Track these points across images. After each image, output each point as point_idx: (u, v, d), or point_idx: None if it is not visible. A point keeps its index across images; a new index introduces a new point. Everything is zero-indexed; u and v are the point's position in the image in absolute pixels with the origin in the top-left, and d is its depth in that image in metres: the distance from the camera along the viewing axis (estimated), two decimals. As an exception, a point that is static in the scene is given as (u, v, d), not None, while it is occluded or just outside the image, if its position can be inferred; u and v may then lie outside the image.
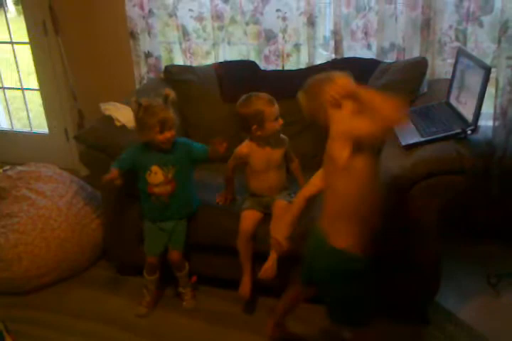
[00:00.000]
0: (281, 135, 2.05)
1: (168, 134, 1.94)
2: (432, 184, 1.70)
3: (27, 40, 3.20)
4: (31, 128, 3.61)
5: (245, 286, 2.01)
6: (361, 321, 1.58)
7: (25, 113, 3.63)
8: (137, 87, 2.80)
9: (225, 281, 2.14)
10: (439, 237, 1.85)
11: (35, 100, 3.60)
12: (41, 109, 3.45)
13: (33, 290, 2.23)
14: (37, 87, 3.35)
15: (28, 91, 3.55)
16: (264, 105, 1.93)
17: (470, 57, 1.94)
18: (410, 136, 1.87)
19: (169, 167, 2.00)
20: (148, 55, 2.76)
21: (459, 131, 1.78)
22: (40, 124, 3.70)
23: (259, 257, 1.99)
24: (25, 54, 3.33)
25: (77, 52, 3.03)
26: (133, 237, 2.17)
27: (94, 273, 2.39)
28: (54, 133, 3.42)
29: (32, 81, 3.52)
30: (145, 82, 2.77)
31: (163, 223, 2.07)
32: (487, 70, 1.73)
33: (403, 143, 1.85)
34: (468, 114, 1.84)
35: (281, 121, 1.97)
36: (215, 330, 2.00)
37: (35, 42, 3.16)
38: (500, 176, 2.42)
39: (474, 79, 1.81)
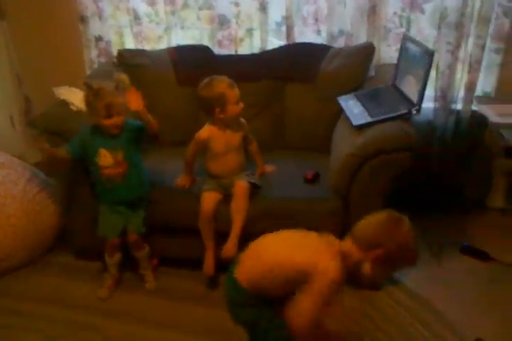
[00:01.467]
0: (241, 119, 2.11)
1: (115, 120, 1.94)
2: (381, 161, 1.83)
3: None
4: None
5: (209, 263, 2.07)
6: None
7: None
8: (88, 71, 2.77)
9: (186, 261, 2.19)
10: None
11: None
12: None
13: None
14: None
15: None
16: (226, 88, 1.97)
17: (414, 42, 2.07)
18: (360, 116, 1.99)
19: (118, 150, 2.01)
20: (98, 39, 2.72)
21: (405, 111, 1.91)
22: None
23: (220, 236, 2.06)
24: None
25: (24, 37, 2.92)
26: (90, 221, 2.17)
27: (52, 259, 2.38)
28: (-1, 119, 3.32)
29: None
30: (96, 66, 2.75)
31: (119, 206, 2.09)
32: (430, 54, 1.86)
33: (354, 124, 1.96)
34: (413, 95, 1.97)
35: (242, 105, 2.02)
36: (178, 308, 2.05)
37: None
38: (440, 154, 2.59)
39: (418, 63, 1.94)
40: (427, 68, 1.87)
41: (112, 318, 2.01)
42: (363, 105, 2.05)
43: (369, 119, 1.93)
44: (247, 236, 1.97)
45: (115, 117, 1.94)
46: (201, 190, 2.09)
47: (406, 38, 2.15)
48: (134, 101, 1.95)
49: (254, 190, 2.06)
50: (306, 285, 1.38)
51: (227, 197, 2.07)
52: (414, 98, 1.95)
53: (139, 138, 2.06)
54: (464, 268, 2.25)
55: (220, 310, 1.97)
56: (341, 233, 1.95)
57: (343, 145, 1.97)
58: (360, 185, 1.90)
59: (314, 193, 2.04)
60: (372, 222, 1.47)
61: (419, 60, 1.95)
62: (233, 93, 1.99)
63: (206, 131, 2.06)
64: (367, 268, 1.42)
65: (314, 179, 2.11)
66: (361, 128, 1.94)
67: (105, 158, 2.01)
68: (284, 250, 1.49)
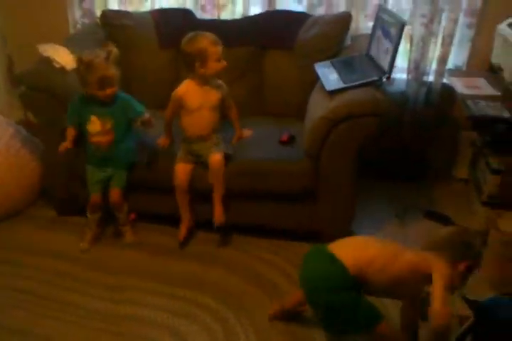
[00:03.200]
0: (220, 81, 2.18)
1: (108, 91, 2.01)
2: (351, 124, 1.93)
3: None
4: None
5: (182, 233, 2.20)
6: (357, 328, 1.57)
7: None
8: (71, 31, 2.80)
9: (162, 217, 2.30)
10: (355, 174, 2.11)
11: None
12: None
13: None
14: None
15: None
16: (209, 44, 2.03)
17: (388, 13, 2.16)
18: (334, 82, 2.08)
19: (106, 118, 2.09)
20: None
21: (376, 78, 2.02)
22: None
23: (202, 198, 2.18)
24: None
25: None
26: (75, 176, 2.25)
27: (34, 212, 2.48)
28: (-19, 79, 3.33)
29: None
30: (79, 26, 2.77)
31: (105, 168, 2.18)
32: (401, 24, 1.96)
33: (327, 89, 2.06)
34: (384, 64, 2.07)
35: (224, 63, 2.07)
36: (155, 260, 2.17)
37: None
38: (412, 124, 2.71)
39: (391, 34, 2.03)
40: (397, 38, 1.97)
41: (93, 269, 2.12)
42: (338, 72, 2.15)
43: (341, 85, 2.03)
44: (226, 196, 2.13)
45: (107, 89, 2.01)
46: (176, 159, 2.16)
47: (381, 9, 2.23)
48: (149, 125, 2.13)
49: (227, 157, 2.14)
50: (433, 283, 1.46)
51: (199, 165, 2.16)
52: (385, 66, 2.04)
53: (128, 116, 2.14)
54: (426, 230, 2.38)
55: (194, 263, 2.14)
56: (311, 193, 2.12)
57: (317, 110, 2.07)
58: (330, 148, 2.01)
59: (287, 155, 2.14)
60: (453, 237, 1.55)
61: (391, 30, 2.04)
62: (215, 49, 2.04)
63: (183, 86, 2.12)
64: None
65: (289, 141, 2.22)
66: (334, 93, 2.04)
67: (94, 125, 2.09)
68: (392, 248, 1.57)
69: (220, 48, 2.06)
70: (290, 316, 1.85)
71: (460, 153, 2.79)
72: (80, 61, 2.01)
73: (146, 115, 2.11)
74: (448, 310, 1.41)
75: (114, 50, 2.06)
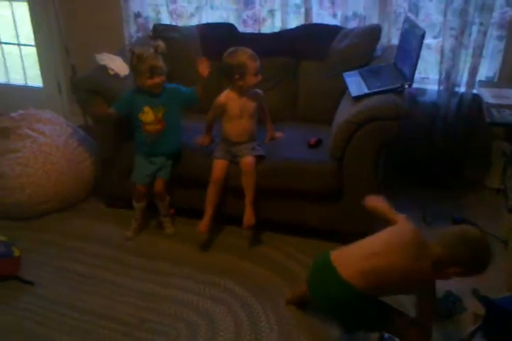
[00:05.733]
0: (257, 90, 2.37)
1: (157, 79, 2.26)
2: (372, 128, 2.08)
3: (25, -2, 3.44)
4: (26, 81, 3.86)
5: (203, 226, 2.32)
6: (376, 327, 1.66)
7: (21, 68, 3.87)
8: (126, 43, 3.09)
9: (200, 212, 2.49)
10: (378, 176, 2.24)
11: (31, 56, 3.83)
12: (36, 65, 3.71)
13: (36, 216, 2.59)
14: (33, 43, 3.60)
15: (25, 47, 3.78)
16: (248, 59, 2.23)
17: (411, 23, 2.30)
18: (359, 89, 2.24)
19: (159, 108, 2.33)
20: (137, 15, 3.04)
21: (398, 85, 2.15)
22: (35, 78, 3.94)
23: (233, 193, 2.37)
24: (23, 11, 3.56)
25: (72, 13, 3.27)
26: (124, 171, 2.49)
27: (86, 205, 2.75)
28: (48, 86, 3.69)
29: (29, 37, 3.74)
30: (134, 39, 3.06)
31: (154, 158, 2.40)
32: (422, 34, 2.09)
33: (352, 95, 2.22)
34: (407, 72, 2.20)
35: (260, 77, 2.28)
36: (191, 250, 2.38)
37: (33, 1, 3.40)
38: (445, 132, 2.80)
39: (413, 43, 2.17)
40: (418, 46, 2.10)
41: (135, 255, 2.35)
42: (364, 80, 2.30)
43: (366, 91, 2.18)
44: (257, 195, 2.30)
45: (157, 77, 2.25)
46: (213, 156, 2.36)
47: (405, 21, 2.37)
48: (204, 68, 2.30)
49: (260, 158, 2.32)
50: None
51: (234, 163, 2.35)
52: (408, 74, 2.18)
53: (184, 102, 2.38)
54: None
55: (226, 254, 2.33)
56: (335, 192, 2.26)
57: (343, 114, 2.23)
58: (353, 150, 2.16)
59: (314, 156, 2.30)
60: (460, 242, 1.55)
61: (413, 40, 2.17)
62: (253, 64, 2.24)
63: (224, 96, 2.34)
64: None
65: (317, 144, 2.38)
66: (358, 99, 2.19)
67: (147, 115, 2.33)
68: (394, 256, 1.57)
69: (257, 63, 2.24)
70: (305, 302, 1.98)
71: (493, 162, 2.84)
72: (132, 53, 2.28)
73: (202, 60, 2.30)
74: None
75: (162, 44, 2.30)
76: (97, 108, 2.32)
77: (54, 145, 2.61)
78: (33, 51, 3.63)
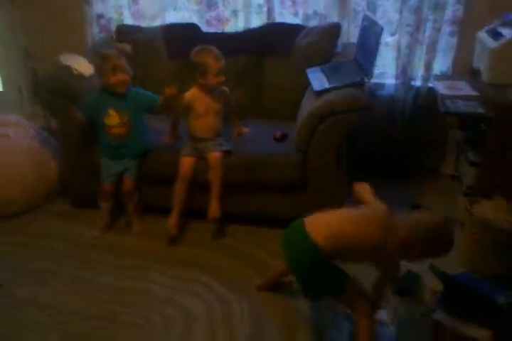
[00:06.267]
0: (223, 87, 2.41)
1: (120, 77, 2.28)
2: (334, 120, 2.15)
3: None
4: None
5: (172, 222, 2.38)
6: (335, 292, 1.72)
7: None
8: (89, 45, 3.08)
9: (167, 209, 2.50)
10: (341, 167, 2.31)
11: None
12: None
13: (2, 218, 2.56)
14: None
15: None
16: (211, 59, 2.27)
17: (370, 20, 2.39)
18: (321, 84, 2.31)
19: (124, 111, 2.35)
20: (100, 16, 3.05)
21: (358, 79, 2.24)
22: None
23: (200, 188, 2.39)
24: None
25: (32, 15, 3.21)
26: (90, 171, 2.50)
27: (53, 206, 2.73)
28: (8, 90, 3.63)
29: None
30: (96, 40, 3.06)
31: (119, 160, 2.42)
32: (380, 30, 2.18)
33: (315, 90, 2.29)
34: (367, 66, 2.29)
35: (222, 78, 2.31)
36: (160, 246, 2.39)
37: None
38: (403, 124, 2.91)
39: (372, 39, 2.26)
40: (377, 42, 2.19)
41: (104, 252, 2.35)
42: (326, 75, 2.38)
43: (327, 86, 2.26)
44: (223, 190, 2.34)
45: (120, 75, 2.27)
46: (181, 153, 2.39)
47: (364, 18, 2.47)
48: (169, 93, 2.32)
49: (227, 153, 2.37)
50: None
51: (201, 159, 2.38)
52: (367, 68, 2.26)
53: (146, 107, 2.41)
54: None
55: (195, 248, 2.36)
56: (301, 183, 2.32)
57: (306, 109, 2.29)
58: (317, 142, 2.23)
59: (280, 150, 2.36)
60: (426, 229, 1.64)
61: (372, 35, 2.26)
62: (216, 65, 2.27)
63: (190, 94, 2.37)
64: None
65: (282, 138, 2.44)
66: (321, 93, 2.26)
67: (112, 118, 2.35)
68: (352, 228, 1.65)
69: (220, 64, 2.28)
70: (276, 286, 2.06)
71: (448, 151, 2.98)
72: (97, 54, 2.31)
73: None
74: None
75: (127, 46, 2.34)
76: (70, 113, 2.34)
77: (17, 147, 2.59)
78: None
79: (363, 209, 1.73)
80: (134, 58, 2.59)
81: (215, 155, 2.34)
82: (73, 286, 2.14)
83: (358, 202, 1.82)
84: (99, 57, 2.29)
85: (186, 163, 2.37)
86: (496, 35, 2.39)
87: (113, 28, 3.02)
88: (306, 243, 1.62)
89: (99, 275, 2.20)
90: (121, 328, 1.91)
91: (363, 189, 1.83)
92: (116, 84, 2.30)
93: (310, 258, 1.62)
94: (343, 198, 2.36)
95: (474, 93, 2.45)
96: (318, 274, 1.65)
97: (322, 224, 1.67)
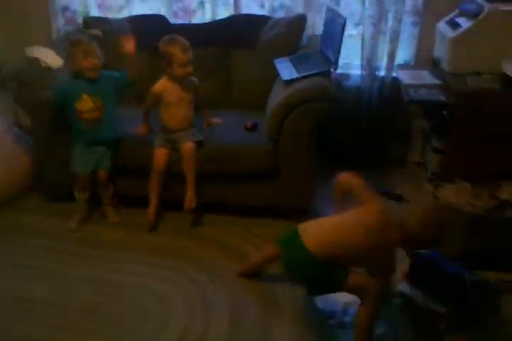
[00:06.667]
0: (192, 78, 2.44)
1: (92, 61, 2.28)
2: (304, 109, 2.22)
3: None
4: None
5: (151, 214, 2.43)
6: (335, 287, 1.77)
7: None
8: (54, 37, 3.06)
9: (142, 200, 2.53)
10: (312, 155, 2.38)
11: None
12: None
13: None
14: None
15: None
16: (177, 50, 2.28)
17: (333, 12, 2.46)
18: (290, 74, 2.38)
19: (97, 95, 2.35)
20: (65, 8, 3.02)
21: (325, 68, 2.31)
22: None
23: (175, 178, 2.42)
24: None
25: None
26: (63, 162, 2.48)
27: (28, 200, 2.72)
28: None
29: None
30: (62, 32, 3.03)
31: (93, 147, 2.42)
32: (343, 21, 2.25)
33: (283, 79, 2.35)
34: (333, 56, 2.36)
35: (189, 69, 2.33)
36: (137, 236, 2.42)
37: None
38: (369, 114, 3.00)
39: (336, 30, 2.33)
40: (341, 32, 2.26)
41: (82, 245, 2.37)
42: (293, 65, 2.44)
43: (295, 75, 2.32)
44: (198, 180, 2.38)
45: (91, 59, 2.27)
46: (153, 144, 2.41)
47: (328, 10, 2.54)
48: (128, 45, 2.32)
49: (199, 143, 2.40)
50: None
51: (175, 149, 2.41)
52: (333, 59, 2.34)
53: (117, 86, 2.41)
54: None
55: (170, 237, 2.40)
56: (273, 172, 2.38)
57: (276, 98, 2.35)
58: (287, 131, 2.29)
59: (252, 139, 2.42)
60: (420, 221, 1.71)
61: (336, 27, 2.34)
62: (182, 56, 2.29)
63: (160, 84, 2.39)
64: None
65: (253, 128, 2.49)
66: (290, 82, 2.33)
67: (85, 102, 2.34)
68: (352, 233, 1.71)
69: (187, 55, 2.29)
70: (257, 273, 2.13)
71: (413, 139, 3.09)
72: (68, 40, 2.31)
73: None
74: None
75: (98, 32, 2.32)
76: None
77: (-12, 142, 2.56)
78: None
79: (357, 214, 1.77)
80: (105, 44, 2.59)
81: (188, 146, 2.37)
82: (51, 279, 2.15)
83: (342, 193, 1.89)
84: (70, 42, 2.28)
85: (159, 154, 2.39)
86: (454, 25, 2.49)
87: (79, 20, 2.99)
88: (301, 251, 1.68)
89: (77, 267, 2.21)
90: (102, 319, 1.94)
91: (355, 181, 1.86)
92: (87, 68, 2.29)
93: (305, 265, 1.70)
94: (313, 185, 2.45)
95: (436, 82, 2.55)
96: (315, 278, 1.72)
97: (315, 233, 1.74)
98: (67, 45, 2.29)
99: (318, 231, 1.74)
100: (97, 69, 2.32)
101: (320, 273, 1.70)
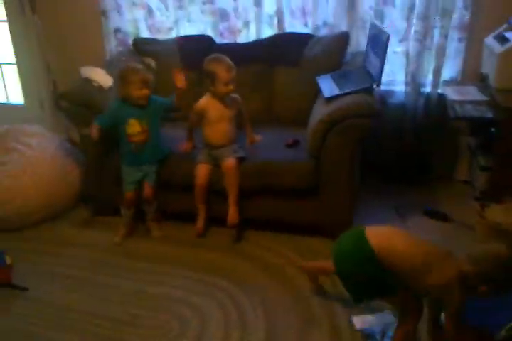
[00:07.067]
0: (234, 95, 2.49)
1: (145, 91, 2.39)
2: (346, 126, 2.21)
3: (5, 18, 3.53)
4: (8, 99, 3.93)
5: (199, 224, 2.50)
6: (383, 295, 1.74)
7: (1, 85, 3.94)
8: (108, 58, 3.20)
9: (183, 214, 2.59)
10: (353, 172, 2.36)
11: (12, 74, 3.91)
12: (17, 82, 3.78)
13: (25, 226, 2.66)
14: (14, 62, 3.68)
15: (6, 65, 3.86)
16: (221, 69, 2.35)
17: (377, 28, 2.46)
18: (331, 90, 2.38)
19: (144, 119, 2.44)
20: (117, 30, 3.16)
21: (367, 85, 2.30)
22: (16, 96, 4.00)
23: (217, 195, 2.46)
24: (3, 31, 3.64)
25: (53, 30, 3.36)
26: (111, 180, 2.59)
27: (75, 213, 2.83)
28: (29, 103, 3.76)
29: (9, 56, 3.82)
30: (114, 54, 3.17)
31: (140, 167, 2.51)
32: (387, 38, 2.25)
33: (325, 96, 2.36)
34: (376, 73, 2.35)
35: (231, 87, 2.39)
36: (179, 251, 2.47)
37: (13, 20, 3.49)
38: (414, 131, 2.95)
39: (379, 46, 2.33)
40: (384, 49, 2.25)
41: (125, 257, 2.44)
42: (335, 82, 2.44)
43: (337, 92, 2.32)
44: (239, 196, 2.41)
45: (145, 89, 2.37)
46: (196, 160, 2.47)
47: (371, 26, 2.54)
48: (180, 80, 2.42)
49: (241, 160, 2.44)
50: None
51: (217, 166, 2.45)
52: (376, 75, 2.33)
53: (162, 112, 2.51)
54: (426, 227, 2.59)
55: (212, 253, 2.43)
56: (314, 189, 2.37)
57: (317, 115, 2.36)
58: (329, 148, 2.29)
59: (292, 156, 2.42)
60: (491, 260, 1.57)
61: (380, 43, 2.33)
62: (226, 75, 2.35)
63: (203, 101, 2.46)
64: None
65: (294, 145, 2.50)
66: (331, 99, 2.33)
67: (133, 127, 2.44)
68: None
69: (231, 74, 2.36)
70: (311, 279, 2.11)
71: (460, 156, 3.01)
72: (127, 66, 2.43)
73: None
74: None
75: (152, 62, 2.41)
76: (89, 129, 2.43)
77: (41, 157, 2.70)
78: (14, 69, 3.71)
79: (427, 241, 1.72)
80: (156, 72, 2.71)
81: (229, 162, 2.40)
82: (94, 290, 2.21)
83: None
84: (129, 68, 2.39)
85: (202, 170, 2.44)
86: (502, 40, 2.43)
87: (130, 41, 3.12)
88: (362, 246, 1.66)
89: (119, 279, 2.28)
90: (141, 331, 1.98)
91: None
92: (139, 98, 2.40)
93: (362, 259, 1.65)
94: (354, 203, 2.43)
95: (483, 98, 2.50)
96: (365, 277, 1.67)
97: (383, 234, 1.71)
98: (124, 69, 2.39)
99: (386, 235, 1.71)
100: (146, 98, 2.43)
101: (375, 274, 1.65)
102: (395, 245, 1.66)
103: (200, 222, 2.51)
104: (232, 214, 2.40)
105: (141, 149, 2.48)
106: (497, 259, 1.56)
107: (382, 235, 1.71)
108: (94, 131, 2.40)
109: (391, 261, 1.64)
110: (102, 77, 2.58)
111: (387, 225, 1.80)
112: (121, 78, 2.40)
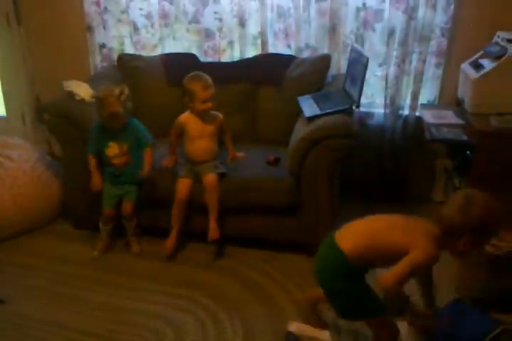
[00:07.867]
0: (215, 112, 2.53)
1: (116, 124, 2.42)
2: (325, 145, 2.26)
3: (-11, 29, 3.52)
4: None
5: (169, 244, 2.48)
6: (368, 314, 1.71)
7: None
8: (92, 73, 3.22)
9: (165, 230, 2.58)
10: (333, 190, 2.41)
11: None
12: (0, 94, 3.76)
13: (3, 239, 2.64)
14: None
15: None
16: (198, 88, 2.40)
17: (357, 51, 2.54)
18: (312, 110, 2.44)
19: (123, 142, 2.47)
20: (102, 46, 3.19)
21: (347, 106, 2.36)
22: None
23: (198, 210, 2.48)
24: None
25: (38, 43, 3.37)
26: (92, 194, 2.57)
27: (54, 227, 2.82)
28: (11, 116, 3.74)
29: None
30: (99, 69, 3.20)
31: (120, 185, 2.53)
32: (366, 61, 2.32)
33: (306, 116, 2.41)
34: (355, 95, 2.42)
35: (209, 105, 2.43)
36: (157, 266, 2.47)
37: (-2, 32, 3.50)
38: (392, 152, 3.02)
39: (359, 69, 2.40)
40: (363, 71, 2.32)
41: (103, 272, 2.43)
42: (316, 103, 2.50)
43: (318, 112, 2.38)
44: (221, 212, 2.43)
45: (115, 122, 2.41)
46: (177, 175, 2.49)
47: (352, 50, 2.62)
48: (169, 162, 2.54)
49: (222, 175, 2.47)
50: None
51: (198, 181, 2.47)
52: (355, 97, 2.39)
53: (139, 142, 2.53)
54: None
55: (191, 269, 2.43)
56: (294, 206, 2.41)
57: (298, 134, 2.41)
58: (309, 166, 2.33)
59: (273, 173, 2.47)
60: (451, 210, 1.58)
61: (359, 66, 2.40)
62: (203, 93, 2.40)
63: (183, 117, 2.50)
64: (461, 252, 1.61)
65: (275, 162, 2.55)
66: (312, 119, 2.38)
67: (112, 149, 2.47)
68: (391, 232, 1.68)
69: (208, 92, 2.40)
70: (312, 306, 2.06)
71: (436, 178, 3.08)
72: (96, 97, 2.43)
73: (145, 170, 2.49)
74: (398, 280, 1.56)
75: (126, 90, 2.44)
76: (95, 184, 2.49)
77: (21, 169, 2.69)
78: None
79: (395, 217, 1.76)
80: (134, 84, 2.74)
81: (210, 178, 2.43)
82: (71, 304, 2.20)
83: None
84: (98, 100, 2.40)
85: (183, 184, 2.46)
86: (477, 66, 2.53)
87: (114, 57, 3.15)
88: (334, 252, 1.67)
89: (96, 293, 2.26)
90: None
91: None
92: (112, 126, 2.43)
93: (337, 264, 1.67)
94: (334, 222, 2.46)
95: (459, 121, 2.57)
96: (344, 284, 1.67)
97: (351, 232, 1.73)
98: (96, 100, 2.43)
99: (353, 232, 1.72)
100: (121, 125, 2.44)
101: (348, 276, 1.66)
102: (357, 241, 1.67)
103: (171, 241, 2.49)
104: (213, 229, 2.42)
105: (121, 171, 2.50)
106: (479, 200, 1.55)
107: (351, 232, 1.73)
108: (97, 185, 2.49)
109: (367, 255, 1.65)
110: (85, 91, 2.60)
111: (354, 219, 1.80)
112: (96, 110, 2.43)
